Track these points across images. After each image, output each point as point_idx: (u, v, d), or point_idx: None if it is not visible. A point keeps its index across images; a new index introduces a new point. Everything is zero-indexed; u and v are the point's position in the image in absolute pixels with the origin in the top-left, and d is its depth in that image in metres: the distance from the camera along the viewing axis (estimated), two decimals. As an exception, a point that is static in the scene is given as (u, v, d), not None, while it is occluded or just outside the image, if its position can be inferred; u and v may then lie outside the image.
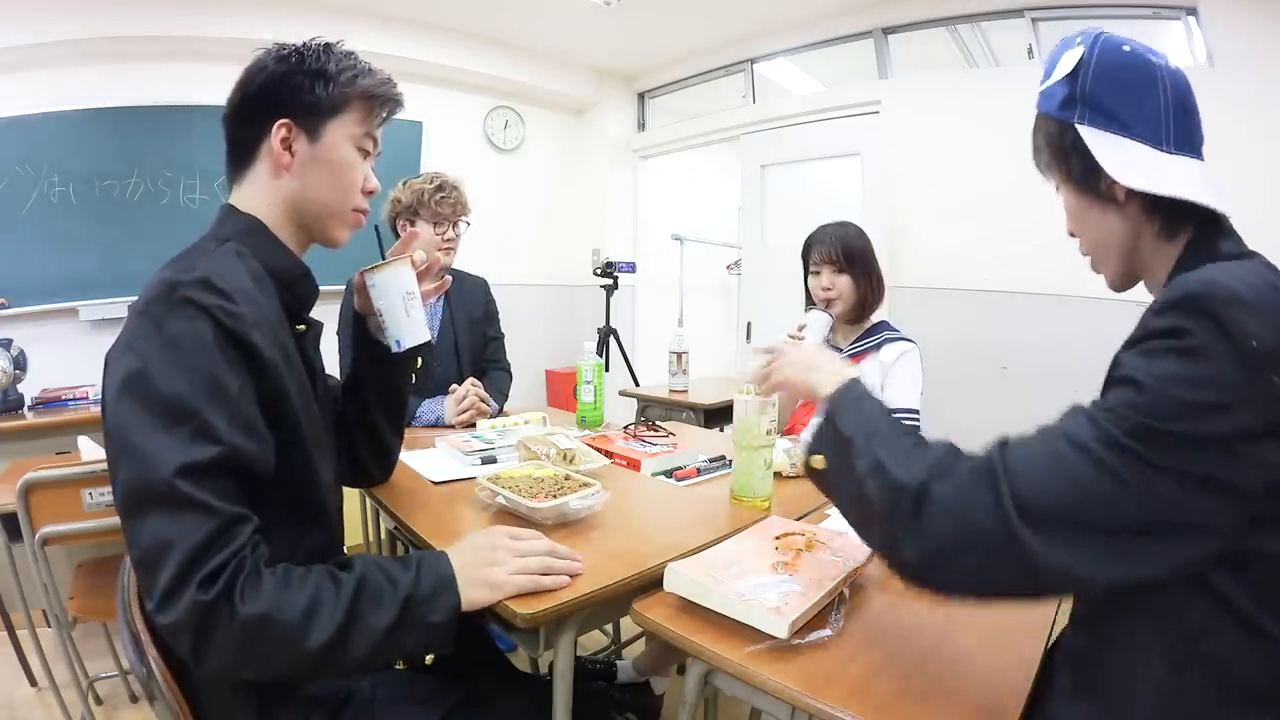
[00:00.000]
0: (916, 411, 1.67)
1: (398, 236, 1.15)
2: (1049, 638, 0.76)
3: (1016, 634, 0.76)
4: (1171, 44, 2.48)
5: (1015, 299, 2.78)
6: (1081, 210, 0.72)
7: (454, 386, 1.76)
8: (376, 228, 0.98)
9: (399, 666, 0.94)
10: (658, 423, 1.69)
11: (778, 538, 0.91)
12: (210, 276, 0.71)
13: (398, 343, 1.03)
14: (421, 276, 1.05)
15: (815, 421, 0.74)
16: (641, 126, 4.43)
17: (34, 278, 2.64)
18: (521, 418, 1.61)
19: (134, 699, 1.84)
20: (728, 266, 4.59)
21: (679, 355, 2.38)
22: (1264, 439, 0.50)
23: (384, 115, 0.92)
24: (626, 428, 1.62)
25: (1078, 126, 0.67)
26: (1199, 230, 0.66)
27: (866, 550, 0.87)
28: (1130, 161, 0.65)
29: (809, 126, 3.48)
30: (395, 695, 0.86)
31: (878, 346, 1.74)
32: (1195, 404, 0.50)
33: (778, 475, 1.24)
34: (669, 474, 1.32)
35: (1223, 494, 0.50)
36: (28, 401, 2.45)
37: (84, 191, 2.70)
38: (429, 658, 1.06)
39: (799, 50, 3.60)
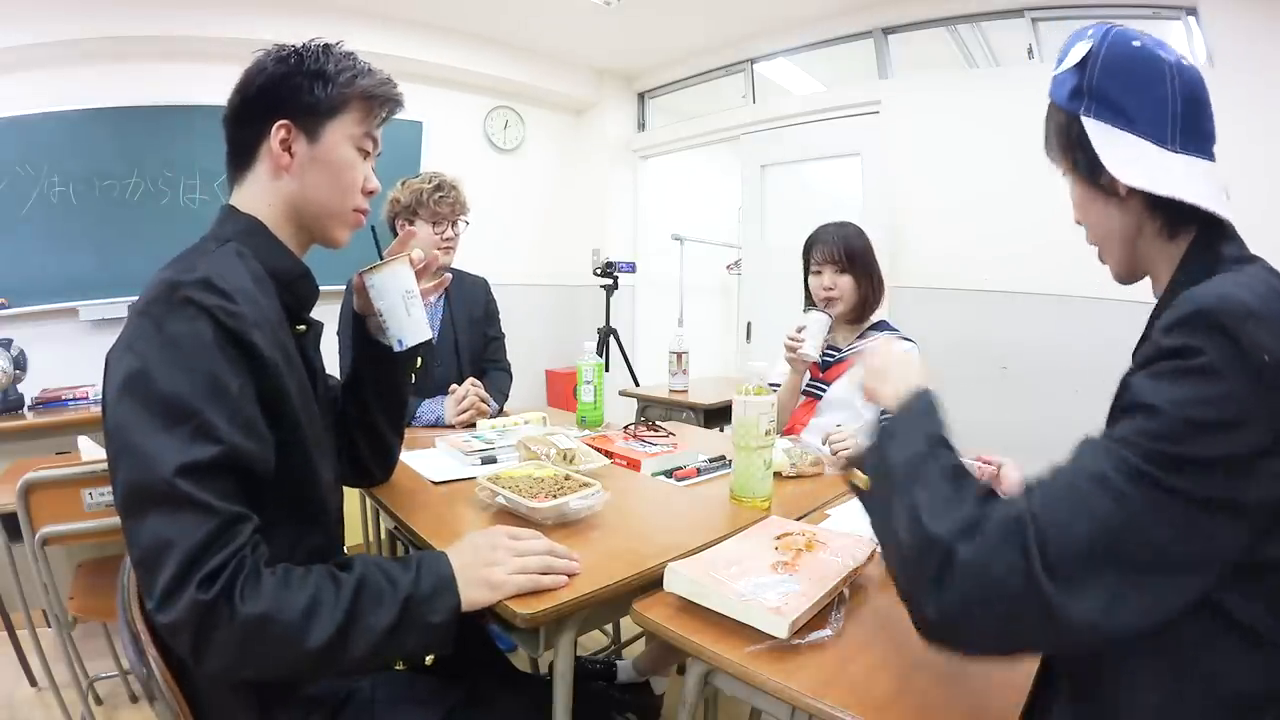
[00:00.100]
0: (916, 411, 1.67)
1: (396, 236, 1.15)
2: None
3: (1016, 634, 0.76)
4: (1171, 44, 2.49)
5: (1015, 299, 2.78)
6: (1085, 201, 0.72)
7: (454, 386, 1.76)
8: (373, 228, 0.98)
9: (399, 667, 0.94)
10: (658, 423, 1.69)
11: (778, 538, 0.91)
12: (211, 277, 0.71)
13: (399, 342, 1.03)
14: (420, 275, 1.05)
15: (867, 422, 0.73)
16: (641, 126, 4.43)
17: (34, 278, 2.64)
18: (521, 418, 1.61)
19: (134, 699, 1.84)
20: (728, 266, 4.59)
21: (679, 355, 2.38)
22: (1276, 454, 0.49)
23: (384, 115, 0.92)
24: (626, 428, 1.62)
25: (1083, 119, 0.67)
26: (1201, 232, 0.65)
27: (867, 550, 0.87)
28: (1132, 158, 0.64)
29: (809, 126, 3.48)
30: (395, 695, 0.86)
31: (878, 346, 1.74)
32: (1210, 423, 0.49)
33: (778, 475, 1.24)
34: (669, 474, 1.32)
35: (1240, 514, 0.50)
36: (28, 401, 2.45)
37: (84, 191, 2.70)
38: (429, 658, 1.06)
39: (799, 50, 3.60)
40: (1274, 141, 1.84)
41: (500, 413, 1.81)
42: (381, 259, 1.02)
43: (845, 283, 1.73)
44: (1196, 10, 2.40)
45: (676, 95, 4.28)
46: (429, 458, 1.37)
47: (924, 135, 3.03)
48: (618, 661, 1.63)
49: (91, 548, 1.77)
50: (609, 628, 2.04)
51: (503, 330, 2.08)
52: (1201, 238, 0.66)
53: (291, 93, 0.83)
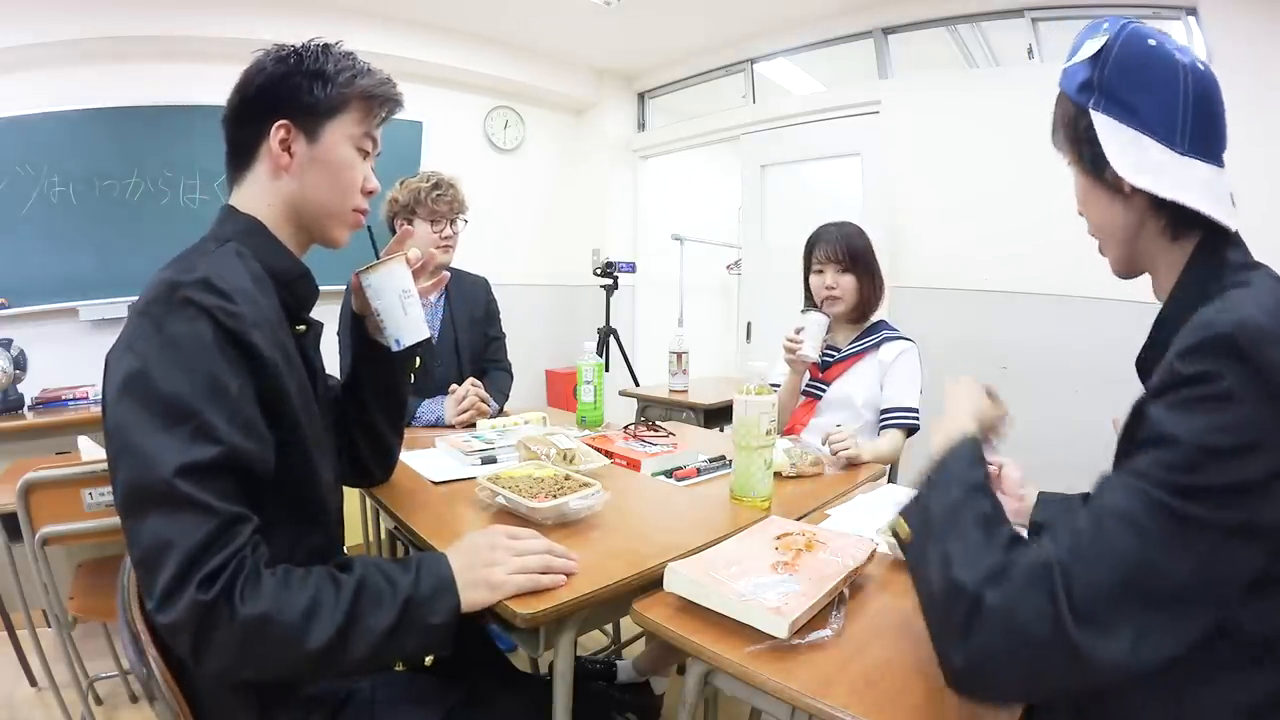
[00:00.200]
0: (916, 410, 1.68)
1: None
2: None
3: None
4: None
5: (1015, 299, 2.78)
6: (1088, 194, 0.72)
7: (454, 386, 1.76)
8: (369, 228, 0.98)
9: (398, 667, 0.94)
10: (658, 423, 1.69)
11: (778, 538, 0.91)
12: (210, 277, 0.71)
13: (397, 341, 1.03)
14: (417, 274, 1.05)
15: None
16: (641, 126, 4.43)
17: (34, 278, 2.64)
18: (521, 418, 1.61)
19: (134, 699, 1.84)
20: (728, 266, 4.59)
21: (679, 355, 2.38)
22: None
23: (383, 115, 0.92)
24: (626, 428, 1.62)
25: (1092, 112, 0.67)
26: (1206, 237, 0.65)
27: (867, 550, 0.87)
28: (1138, 157, 0.64)
29: (809, 126, 3.48)
30: (395, 695, 0.86)
31: (877, 345, 1.74)
32: (1227, 449, 0.49)
33: (778, 475, 1.24)
34: (669, 474, 1.32)
35: (1256, 536, 0.49)
36: (28, 401, 2.45)
37: (84, 191, 2.70)
38: (428, 659, 1.06)
39: (799, 50, 3.60)
40: (1274, 142, 1.85)
41: (500, 413, 1.81)
42: (378, 259, 1.02)
43: (847, 282, 1.73)
44: (1196, 10, 2.40)
45: (676, 95, 4.28)
46: (429, 458, 1.37)
47: (924, 135, 3.03)
48: (618, 661, 1.63)
49: (91, 548, 1.77)
50: (609, 628, 2.04)
51: (503, 330, 2.08)
52: (1206, 243, 0.65)
53: (291, 93, 0.83)
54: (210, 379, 0.68)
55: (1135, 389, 0.76)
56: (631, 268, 3.76)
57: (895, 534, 0.70)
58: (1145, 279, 0.75)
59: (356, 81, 0.87)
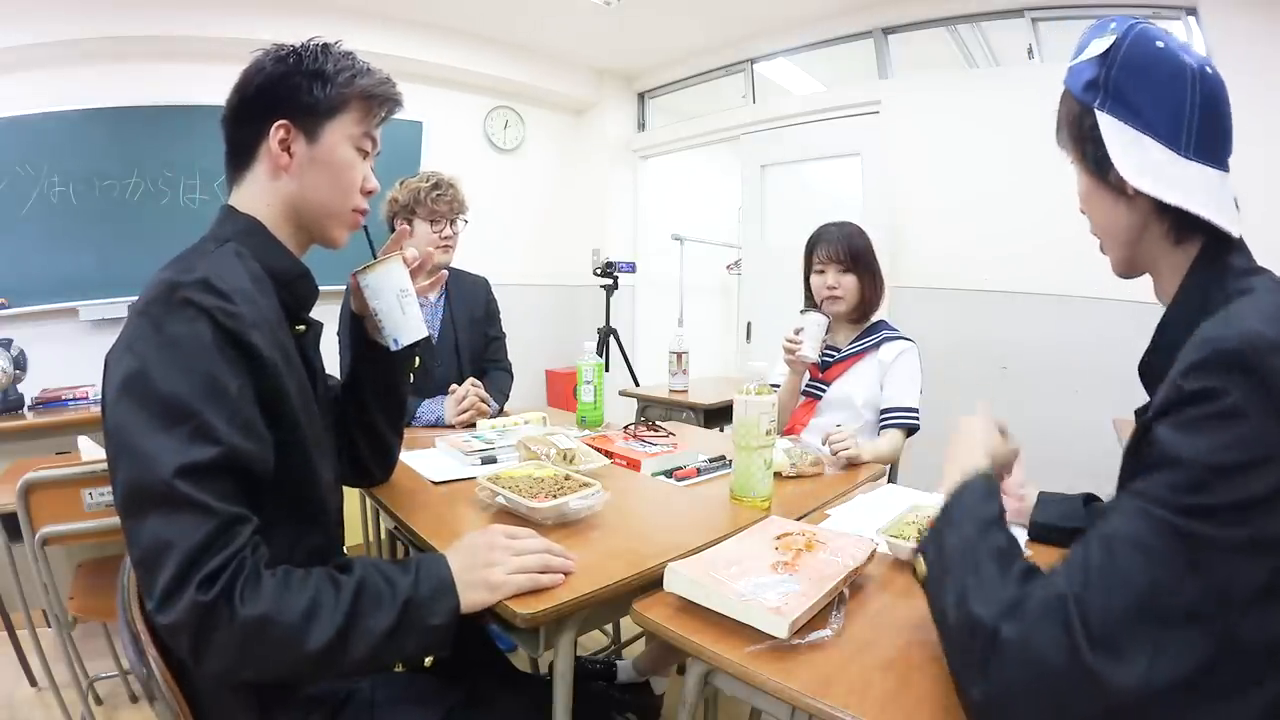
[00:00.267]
0: (916, 410, 1.68)
1: None
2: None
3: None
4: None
5: (1015, 299, 2.78)
6: (1091, 194, 0.72)
7: (454, 386, 1.76)
8: (365, 228, 0.98)
9: (398, 667, 0.94)
10: (658, 423, 1.69)
11: (778, 538, 0.91)
12: (210, 277, 0.71)
13: (395, 341, 1.03)
14: (415, 274, 1.05)
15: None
16: (641, 126, 4.43)
17: (34, 278, 2.64)
18: (521, 418, 1.61)
19: (134, 699, 1.84)
20: (728, 266, 4.60)
21: (679, 355, 2.38)
22: None
23: (383, 115, 0.92)
24: (626, 428, 1.62)
25: (1097, 112, 0.66)
26: (1209, 242, 0.65)
27: (867, 550, 0.87)
28: (1142, 161, 0.64)
29: (809, 126, 3.48)
30: (395, 696, 0.86)
31: (876, 345, 1.74)
32: (1235, 466, 0.49)
33: (777, 475, 1.24)
34: (669, 474, 1.32)
35: (1265, 550, 0.49)
36: (28, 401, 2.45)
37: (84, 191, 2.70)
38: (428, 659, 1.06)
39: (799, 50, 3.60)
40: (1274, 143, 1.85)
41: (500, 413, 1.81)
42: (375, 259, 1.02)
43: (849, 282, 1.73)
44: (1196, 10, 2.40)
45: (676, 95, 4.28)
46: (429, 458, 1.37)
47: (924, 135, 3.03)
48: (618, 661, 1.63)
49: (91, 548, 1.77)
50: (609, 628, 2.04)
51: (503, 330, 2.08)
52: (1209, 247, 0.65)
53: (290, 93, 0.83)
54: (209, 379, 0.68)
55: (1135, 389, 0.76)
56: (631, 268, 3.76)
57: (914, 571, 0.71)
58: (1145, 279, 0.75)
59: (356, 81, 0.87)
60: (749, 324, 3.84)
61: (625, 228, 4.38)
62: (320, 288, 0.92)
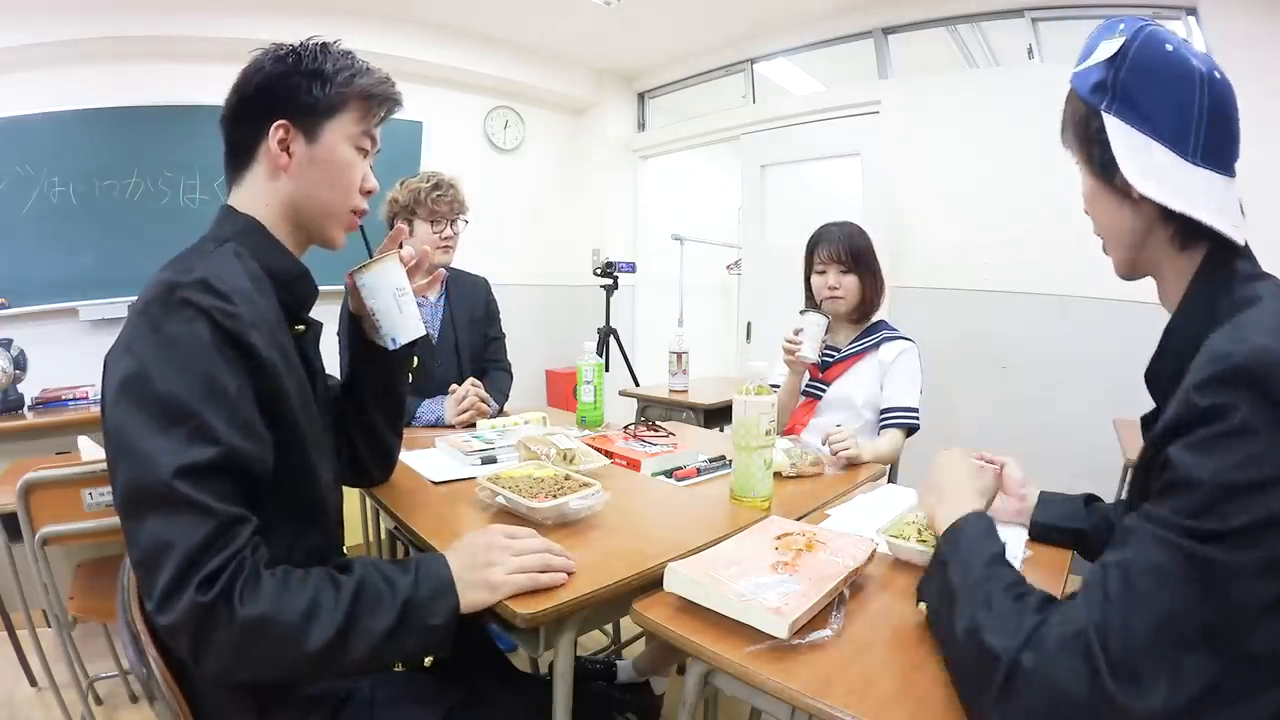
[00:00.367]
0: (916, 410, 1.68)
1: None
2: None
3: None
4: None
5: (1015, 299, 2.78)
6: (1096, 196, 0.71)
7: (454, 386, 1.76)
8: (361, 227, 0.98)
9: (398, 667, 0.94)
10: (658, 423, 1.69)
11: (778, 538, 0.91)
12: (208, 278, 0.71)
13: (393, 340, 1.02)
14: (412, 272, 1.05)
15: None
16: (641, 126, 4.43)
17: (34, 278, 2.64)
18: (521, 418, 1.61)
19: (134, 699, 1.84)
20: (728, 266, 4.59)
21: (679, 355, 2.38)
22: None
23: (382, 114, 0.92)
24: (626, 428, 1.62)
25: (1104, 115, 0.66)
26: (1214, 248, 0.65)
27: (867, 550, 0.87)
28: (1149, 165, 0.63)
29: (809, 126, 3.48)
30: (395, 695, 0.86)
31: (876, 345, 1.74)
32: (1248, 485, 0.49)
33: (777, 475, 1.24)
34: (669, 474, 1.32)
35: (1276, 567, 0.49)
36: (28, 401, 2.45)
37: (84, 191, 2.70)
38: (428, 659, 1.06)
39: (799, 50, 3.60)
40: (1274, 143, 1.84)
41: (500, 413, 1.81)
42: (371, 258, 1.02)
43: (849, 282, 1.73)
44: (1196, 10, 2.40)
45: (676, 95, 4.28)
46: (429, 458, 1.37)
47: (924, 135, 3.03)
48: (618, 661, 1.63)
49: (91, 548, 1.77)
50: (609, 628, 2.04)
51: (503, 330, 2.07)
52: (1214, 254, 0.65)
53: (289, 92, 0.83)
54: (208, 380, 0.68)
55: (1134, 388, 0.76)
56: (631, 268, 3.76)
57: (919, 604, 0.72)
58: (1146, 280, 0.75)
59: (355, 81, 0.86)
60: (749, 324, 3.84)
61: (625, 228, 4.38)
62: (320, 288, 0.92)
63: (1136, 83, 0.64)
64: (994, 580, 0.63)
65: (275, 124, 0.83)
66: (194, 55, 2.81)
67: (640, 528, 1.05)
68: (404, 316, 1.02)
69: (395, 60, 3.10)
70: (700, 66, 3.98)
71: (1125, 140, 0.64)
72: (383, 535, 1.68)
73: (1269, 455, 0.49)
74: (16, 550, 1.52)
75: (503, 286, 2.17)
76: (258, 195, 0.86)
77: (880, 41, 3.23)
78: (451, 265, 1.94)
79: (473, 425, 1.67)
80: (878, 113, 3.18)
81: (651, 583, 0.84)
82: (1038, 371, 2.73)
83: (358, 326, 1.08)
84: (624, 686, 1.56)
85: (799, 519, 1.05)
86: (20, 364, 2.40)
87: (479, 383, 1.78)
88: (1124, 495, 0.73)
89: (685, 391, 2.37)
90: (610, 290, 3.67)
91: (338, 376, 1.16)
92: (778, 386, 1.73)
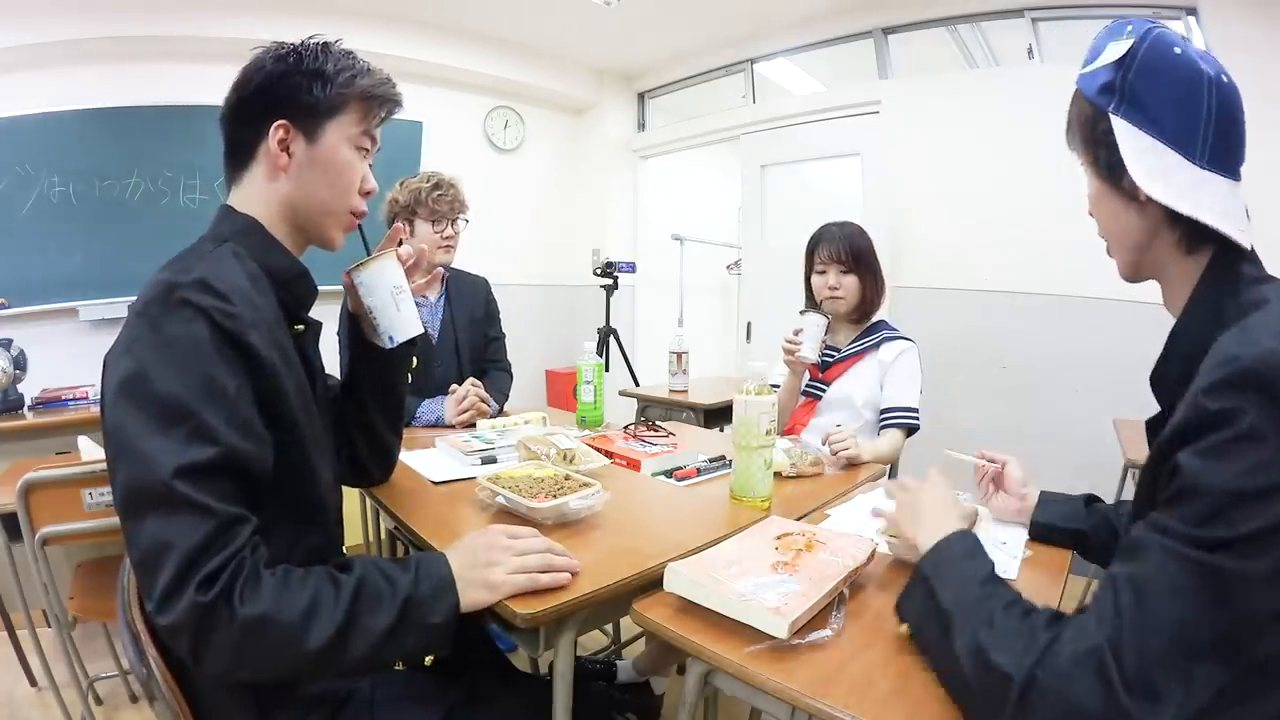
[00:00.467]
0: (916, 410, 1.68)
1: None
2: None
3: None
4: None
5: (1015, 299, 2.78)
6: (1101, 198, 0.71)
7: (454, 386, 1.76)
8: (360, 227, 0.97)
9: (398, 666, 0.94)
10: (658, 423, 1.69)
11: (778, 538, 0.91)
12: (207, 278, 0.71)
13: (391, 338, 1.02)
14: (410, 271, 1.04)
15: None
16: (641, 126, 4.43)
17: (34, 278, 2.64)
18: (521, 418, 1.61)
19: (134, 699, 1.84)
20: (728, 266, 4.60)
21: (679, 355, 2.38)
22: None
23: (382, 115, 0.92)
24: (626, 428, 1.62)
25: (1112, 117, 0.65)
26: (1220, 251, 0.64)
27: (867, 550, 0.87)
28: (1157, 168, 0.63)
29: (809, 126, 3.48)
30: (395, 695, 0.86)
31: (876, 345, 1.74)
32: (1258, 492, 0.49)
33: (777, 475, 1.24)
34: (669, 474, 1.32)
35: None
36: (28, 401, 2.45)
37: (84, 191, 2.70)
38: (428, 658, 1.06)
39: (799, 50, 3.60)
40: (1274, 144, 1.84)
41: (500, 413, 1.81)
42: (369, 256, 1.02)
43: (850, 282, 1.73)
44: (1196, 10, 2.40)
45: (676, 95, 4.28)
46: (429, 458, 1.37)
47: (924, 135, 3.03)
48: (618, 661, 1.63)
49: (91, 548, 1.77)
50: (609, 628, 2.04)
51: (503, 330, 2.07)
52: (1220, 257, 0.65)
53: (290, 92, 0.83)
54: (207, 380, 0.68)
55: (1134, 389, 0.76)
56: (631, 268, 3.76)
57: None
58: (1148, 280, 0.74)
59: (356, 81, 0.86)
60: (749, 324, 3.84)
61: (625, 228, 4.38)
62: (320, 288, 0.92)
63: (1145, 85, 0.64)
64: (994, 599, 0.62)
65: (275, 124, 0.82)
66: (194, 55, 2.81)
67: (640, 528, 1.05)
68: (401, 314, 1.01)
69: (395, 60, 3.10)
70: (700, 66, 3.98)
71: (1133, 142, 0.64)
72: (383, 535, 1.68)
73: (1277, 461, 0.49)
74: (16, 550, 1.52)
75: (503, 286, 2.17)
76: (257, 195, 0.86)
77: (880, 41, 3.23)
78: (452, 265, 1.94)
79: (473, 425, 1.67)
80: (878, 113, 3.18)
81: (651, 583, 0.84)
82: (1038, 371, 2.73)
83: (357, 326, 1.08)
84: (624, 686, 1.56)
85: (799, 519, 1.05)
86: (20, 364, 2.40)
87: (479, 383, 1.78)
88: (1129, 498, 0.73)
89: (685, 391, 2.37)
90: (610, 290, 3.67)
91: (338, 376, 1.16)
92: (778, 386, 1.73)
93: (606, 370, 3.17)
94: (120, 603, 0.77)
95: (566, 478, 1.10)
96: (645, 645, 1.76)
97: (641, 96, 4.41)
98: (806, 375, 1.77)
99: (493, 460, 1.34)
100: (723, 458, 1.37)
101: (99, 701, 1.84)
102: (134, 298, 0.73)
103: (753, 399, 1.07)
